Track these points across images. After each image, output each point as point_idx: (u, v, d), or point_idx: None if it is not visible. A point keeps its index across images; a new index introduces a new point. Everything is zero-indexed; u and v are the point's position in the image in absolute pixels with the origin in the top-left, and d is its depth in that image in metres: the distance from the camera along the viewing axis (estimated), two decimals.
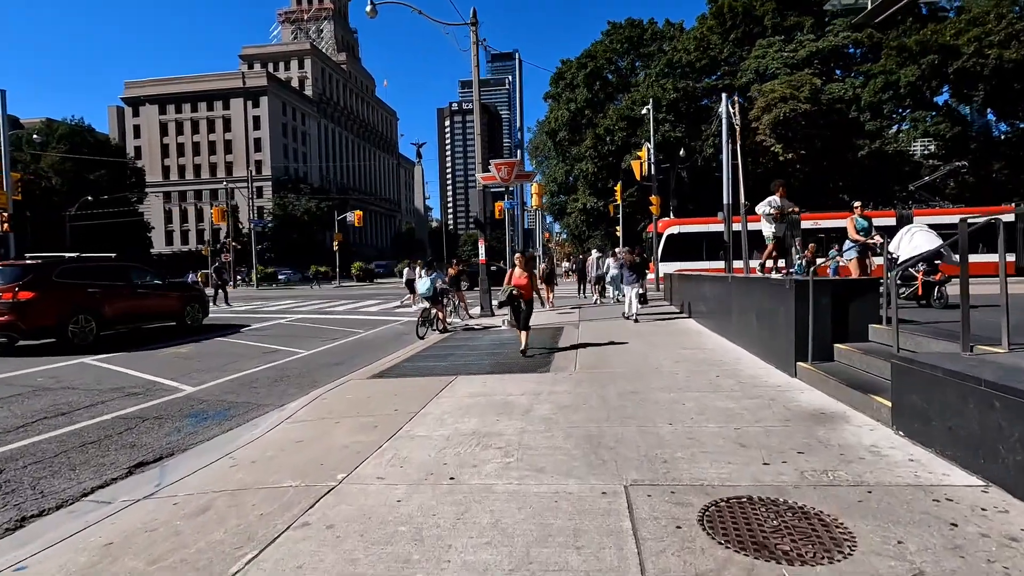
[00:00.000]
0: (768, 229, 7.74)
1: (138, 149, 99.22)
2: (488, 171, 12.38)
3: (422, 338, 11.99)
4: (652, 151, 23.12)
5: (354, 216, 46.08)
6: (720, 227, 30.45)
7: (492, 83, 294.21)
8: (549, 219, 62.39)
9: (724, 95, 22.95)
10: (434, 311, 12.89)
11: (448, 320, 14.97)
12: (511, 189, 14.86)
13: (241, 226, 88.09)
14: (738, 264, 25.62)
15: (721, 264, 29.84)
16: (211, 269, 22.55)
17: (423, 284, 12.44)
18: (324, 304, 21.77)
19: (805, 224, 29.85)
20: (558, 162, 49.08)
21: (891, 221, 29.07)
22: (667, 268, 27.36)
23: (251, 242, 44.46)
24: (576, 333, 10.87)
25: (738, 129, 22.96)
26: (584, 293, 21.38)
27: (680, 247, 29.22)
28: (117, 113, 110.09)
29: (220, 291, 22.65)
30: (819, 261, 15.66)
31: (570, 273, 43.18)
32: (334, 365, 9.20)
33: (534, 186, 16.49)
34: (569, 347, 9.12)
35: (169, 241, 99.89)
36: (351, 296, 27.74)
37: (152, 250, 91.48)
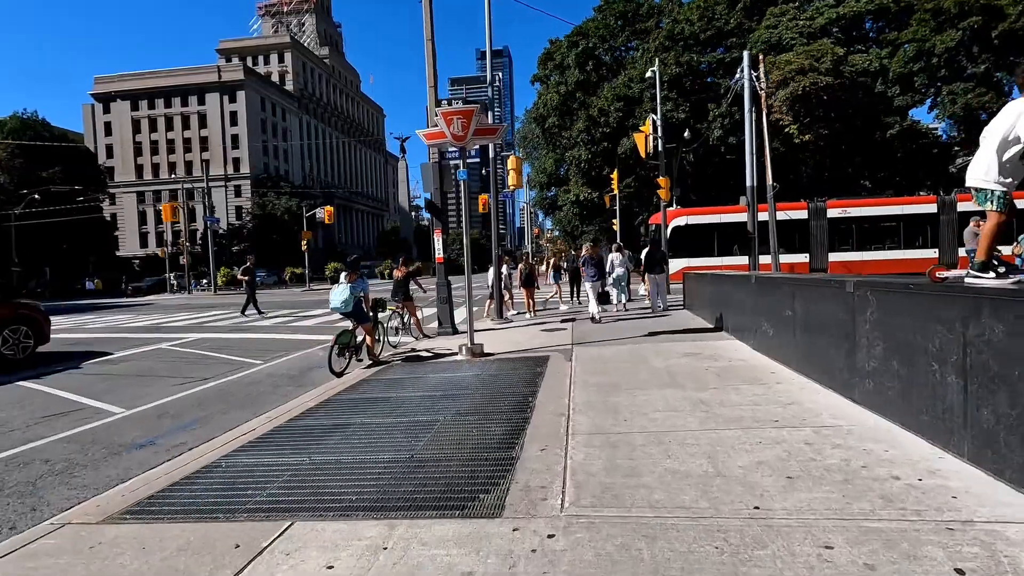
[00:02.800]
0: (1001, 184, 3.47)
1: (109, 147, 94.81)
2: (436, 125, 8.28)
3: (338, 374, 7.95)
4: (659, 123, 19.09)
5: (324, 213, 41.80)
6: (735, 216, 26.48)
7: (482, 80, 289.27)
8: (541, 215, 58.32)
9: (745, 52, 19.03)
10: (361, 335, 8.83)
11: (397, 339, 10.91)
12: (473, 153, 10.78)
13: (218, 227, 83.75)
14: (764, 260, 21.76)
15: (737, 260, 25.95)
16: (239, 272, 17.56)
17: (338, 295, 8.36)
18: (258, 315, 17.62)
19: (869, 210, 26.09)
20: (548, 152, 44.99)
21: (932, 208, 25.26)
22: (673, 266, 23.42)
23: (208, 243, 40.07)
24: (567, 371, 6.80)
25: (763, 96, 19.06)
26: (579, 297, 17.36)
27: (689, 241, 25.23)
28: (92, 111, 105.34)
29: (250, 298, 17.87)
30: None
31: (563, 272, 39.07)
32: (132, 450, 5.10)
33: (511, 160, 12.44)
34: (553, 414, 5.03)
35: (144, 243, 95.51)
36: (304, 303, 23.62)
37: (121, 252, 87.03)
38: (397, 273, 11.39)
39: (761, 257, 21.12)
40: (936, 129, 33.41)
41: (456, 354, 8.75)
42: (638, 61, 35.77)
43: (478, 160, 10.93)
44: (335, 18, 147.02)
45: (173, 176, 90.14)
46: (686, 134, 28.70)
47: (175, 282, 43.45)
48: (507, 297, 13.78)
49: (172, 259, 45.81)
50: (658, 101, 20.83)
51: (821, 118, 29.41)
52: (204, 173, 40.67)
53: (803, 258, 25.48)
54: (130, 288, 45.66)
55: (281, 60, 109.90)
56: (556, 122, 41.22)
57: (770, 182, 18.37)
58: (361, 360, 8.84)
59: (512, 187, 12.69)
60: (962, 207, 24.55)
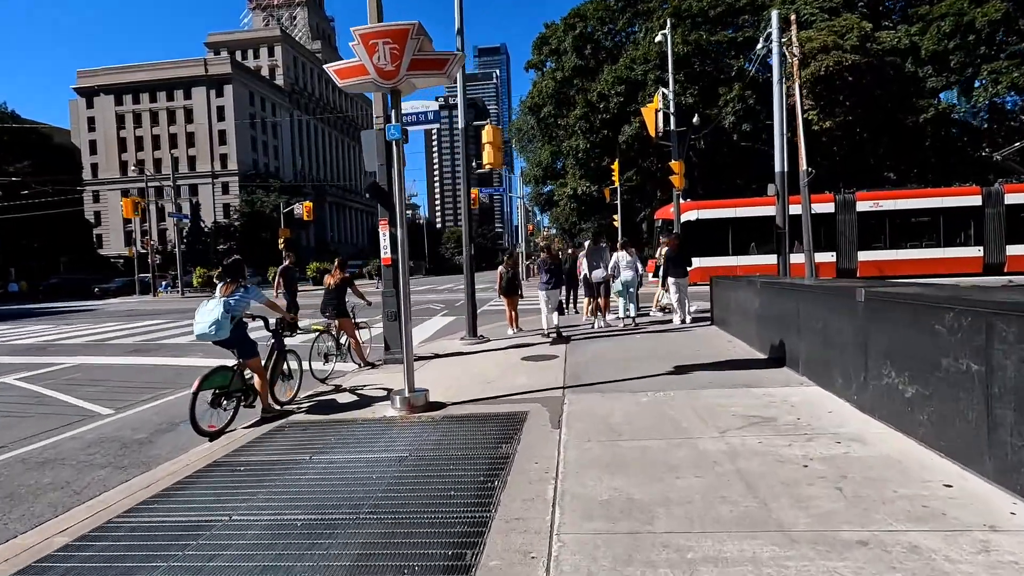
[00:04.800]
0: None
1: (93, 143, 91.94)
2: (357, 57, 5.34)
3: (212, 435, 5.18)
4: (671, 97, 16.20)
5: (302, 209, 38.85)
6: (753, 211, 23.50)
7: (479, 77, 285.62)
8: (538, 212, 55.28)
9: (775, 12, 16.12)
10: (249, 373, 5.94)
11: (329, 368, 8.03)
12: (432, 116, 7.88)
13: (203, 224, 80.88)
14: (796, 259, 18.72)
15: (756, 260, 23.00)
16: (277, 271, 13.00)
17: (205, 316, 5.46)
18: (182, 330, 14.65)
19: (903, 203, 22.46)
20: (543, 144, 42.01)
21: (976, 200, 22.34)
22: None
23: (176, 242, 37.08)
24: (551, 456, 3.89)
25: (796, 64, 16.19)
26: (575, 304, 14.44)
27: (700, 238, 22.26)
28: (78, 107, 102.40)
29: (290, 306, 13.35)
30: None
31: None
32: None
33: (487, 130, 9.51)
34: None
35: (128, 242, 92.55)
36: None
37: (105, 251, 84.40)
38: (329, 279, 8.46)
39: (796, 256, 18.16)
40: (962, 113, 30.44)
41: (389, 402, 5.81)
42: (641, 42, 32.79)
43: (446, 128, 7.92)
44: (328, 12, 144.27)
45: (155, 173, 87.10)
46: (695, 120, 25.72)
47: (161, 282, 40.43)
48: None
49: (142, 258, 42.75)
50: (670, 71, 17.82)
51: (844, 102, 26.49)
52: (172, 169, 37.66)
53: (828, 257, 22.54)
54: (97, 289, 42.64)
55: (271, 54, 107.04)
56: (552, 111, 38.24)
57: (803, 167, 15.44)
58: (254, 406, 5.95)
59: (488, 166, 9.74)
60: (1010, 199, 21.67)
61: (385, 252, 8.36)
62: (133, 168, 54.19)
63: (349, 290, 8.44)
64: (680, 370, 6.46)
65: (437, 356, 8.74)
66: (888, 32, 27.22)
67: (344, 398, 6.47)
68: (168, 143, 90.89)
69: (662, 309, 12.41)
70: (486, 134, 9.61)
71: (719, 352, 7.43)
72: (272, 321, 6.47)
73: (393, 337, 8.37)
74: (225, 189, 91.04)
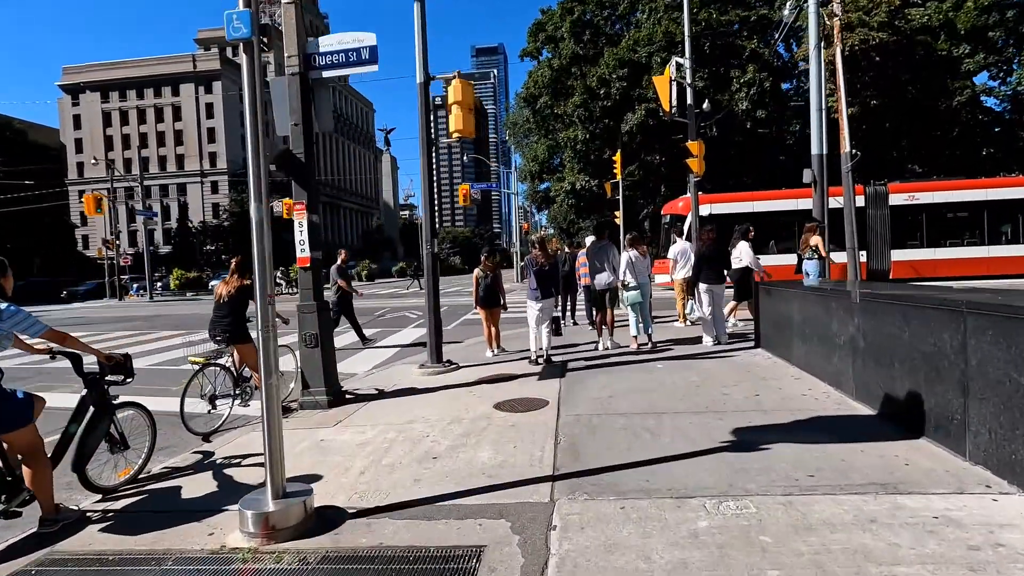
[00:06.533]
0: None
1: (79, 141, 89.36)
2: None
3: None
4: (687, 66, 13.74)
5: (282, 206, 36.26)
6: (775, 204, 21.01)
7: (477, 77, 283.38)
8: (535, 211, 52.76)
9: None
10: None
11: (225, 413, 5.61)
12: (347, 53, 5.43)
13: (191, 223, 78.44)
14: (838, 258, 15.98)
15: (778, 260, 20.45)
16: (332, 271, 9.74)
17: None
18: (107, 344, 12.17)
19: (942, 195, 19.65)
20: (540, 138, 39.50)
21: (1022, 193, 19.92)
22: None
23: (144, 242, 34.58)
24: None
25: (837, 25, 13.75)
26: (573, 315, 12.01)
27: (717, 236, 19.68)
28: (66, 105, 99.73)
29: (348, 317, 10.73)
30: None
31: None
32: None
33: (454, 86, 7.00)
34: None
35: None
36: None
37: (90, 252, 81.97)
38: (222, 288, 5.92)
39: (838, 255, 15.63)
40: (1001, 99, 28.02)
41: (229, 526, 3.27)
42: (644, 23, 30.29)
43: (445, 126, 5.48)
44: (322, 8, 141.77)
45: (146, 172, 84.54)
46: (705, 105, 23.26)
47: (133, 285, 37.98)
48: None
49: (137, 261, 40.34)
50: (686, 28, 15.18)
51: (869, 86, 24.03)
52: (139, 167, 35.17)
53: None
54: (64, 293, 40.21)
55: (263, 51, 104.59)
56: (548, 101, 35.68)
57: (845, 149, 12.90)
58: (19, 514, 3.46)
59: (455, 134, 7.27)
60: None
61: (303, 249, 5.86)
62: (93, 163, 51.47)
63: (252, 304, 5.94)
64: (744, 439, 3.94)
65: (381, 394, 6.24)
66: (918, 9, 24.77)
67: (195, 485, 3.96)
68: (156, 141, 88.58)
69: (692, 323, 9.98)
70: (453, 91, 7.11)
71: (791, 400, 4.92)
72: (90, 362, 3.98)
73: (313, 370, 5.85)
74: (215, 188, 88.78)
